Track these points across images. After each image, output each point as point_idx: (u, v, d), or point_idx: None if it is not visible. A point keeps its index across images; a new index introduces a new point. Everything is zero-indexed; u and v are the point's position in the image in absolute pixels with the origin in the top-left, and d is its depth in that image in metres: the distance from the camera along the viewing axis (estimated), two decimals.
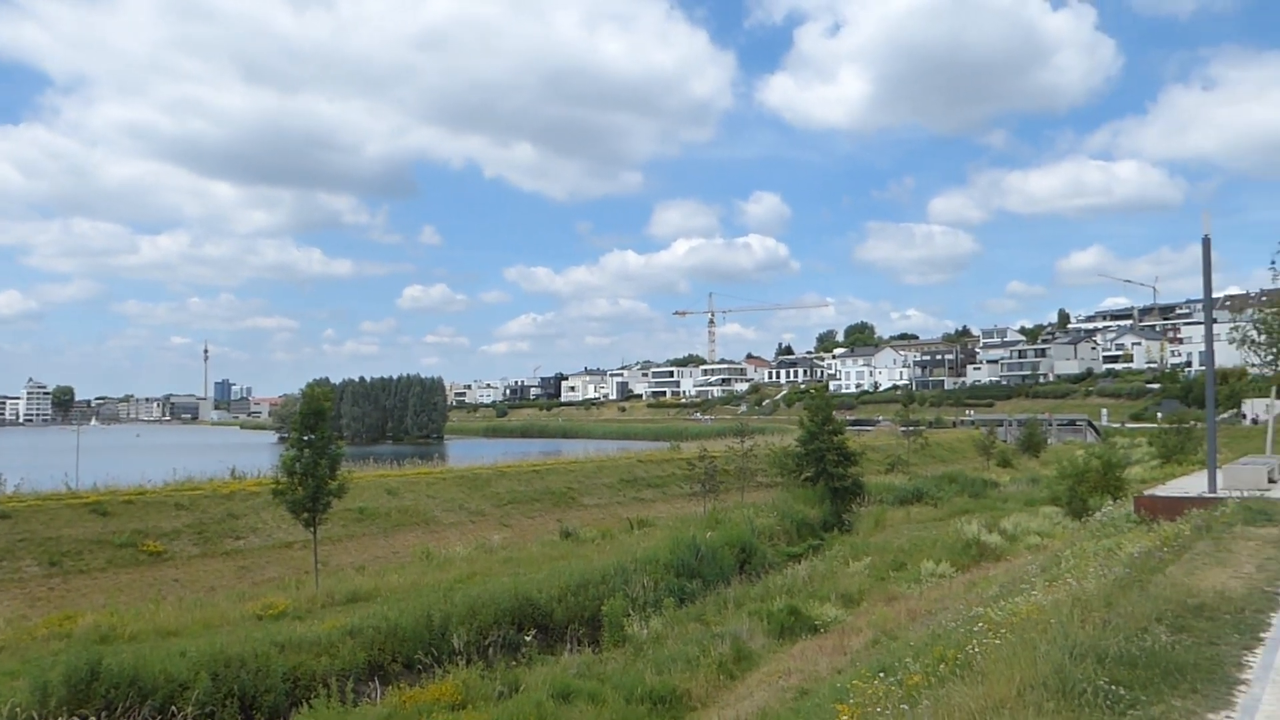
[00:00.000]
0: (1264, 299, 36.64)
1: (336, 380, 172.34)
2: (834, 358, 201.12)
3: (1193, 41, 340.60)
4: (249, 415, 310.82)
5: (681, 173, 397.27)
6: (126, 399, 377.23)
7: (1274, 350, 32.84)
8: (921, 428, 75.46)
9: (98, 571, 26.74)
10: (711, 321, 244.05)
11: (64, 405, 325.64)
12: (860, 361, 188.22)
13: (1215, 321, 28.69)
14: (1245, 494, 21.24)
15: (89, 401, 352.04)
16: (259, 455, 67.42)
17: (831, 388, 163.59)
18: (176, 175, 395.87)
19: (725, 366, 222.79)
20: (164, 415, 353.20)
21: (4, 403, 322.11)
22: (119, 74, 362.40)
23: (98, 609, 23.06)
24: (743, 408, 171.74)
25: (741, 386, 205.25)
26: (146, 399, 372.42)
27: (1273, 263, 30.27)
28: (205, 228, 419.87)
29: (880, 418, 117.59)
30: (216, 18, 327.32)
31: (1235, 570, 11.99)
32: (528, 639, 21.16)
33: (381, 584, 25.95)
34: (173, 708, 15.81)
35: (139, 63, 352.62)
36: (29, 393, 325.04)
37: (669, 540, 29.40)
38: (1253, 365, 38.71)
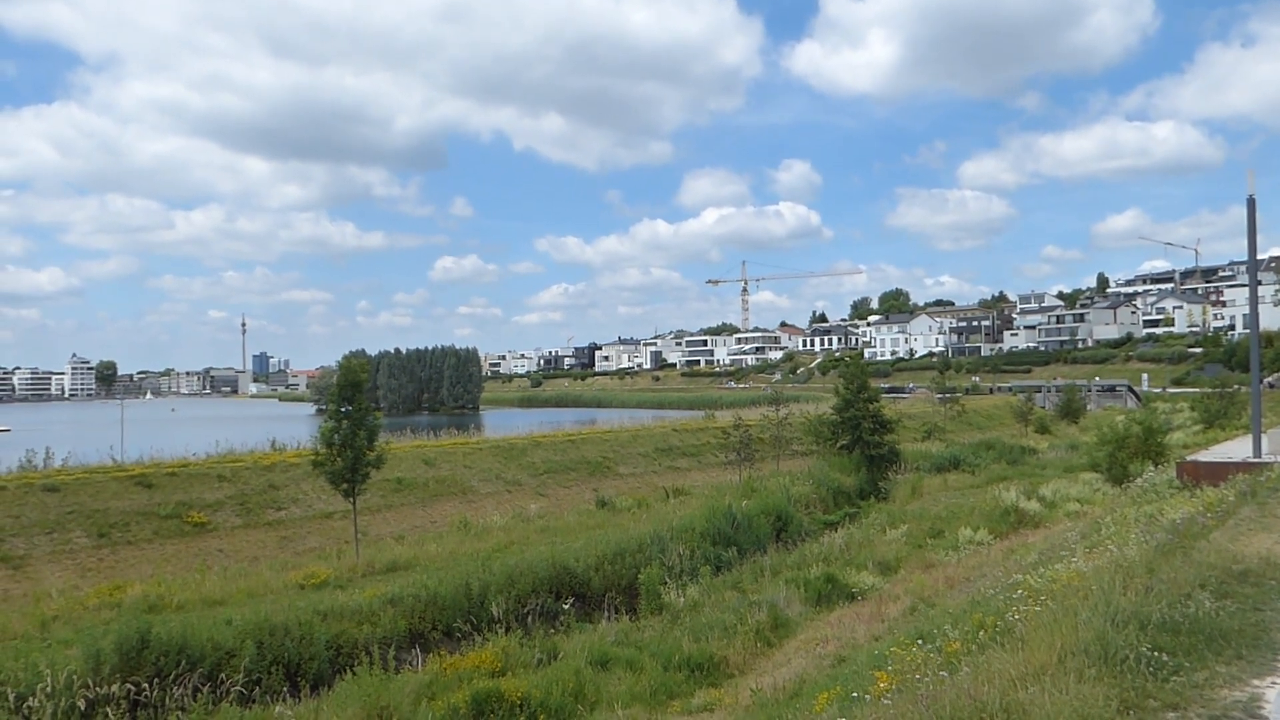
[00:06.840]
0: None
1: (372, 352, 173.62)
2: (868, 325, 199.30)
3: None
4: (287, 387, 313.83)
5: (711, 141, 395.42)
6: (167, 373, 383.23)
7: None
8: (958, 395, 74.86)
9: (144, 542, 27.28)
10: (744, 290, 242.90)
11: (107, 380, 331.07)
12: (895, 329, 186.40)
13: (1260, 284, 28.12)
14: None
15: (131, 376, 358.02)
16: (298, 427, 68.48)
17: (866, 355, 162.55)
18: (208, 151, 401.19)
19: (759, 335, 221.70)
20: (204, 388, 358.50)
21: (49, 378, 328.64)
22: (148, 51, 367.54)
23: (145, 579, 23.55)
24: (777, 376, 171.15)
25: (775, 355, 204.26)
26: (187, 373, 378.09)
27: None
28: (238, 203, 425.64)
29: (916, 385, 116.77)
30: None
31: None
32: (565, 607, 21.37)
33: (420, 553, 26.27)
34: (220, 675, 16.17)
35: (167, 40, 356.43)
36: (73, 368, 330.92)
37: (705, 509, 29.50)
38: None
